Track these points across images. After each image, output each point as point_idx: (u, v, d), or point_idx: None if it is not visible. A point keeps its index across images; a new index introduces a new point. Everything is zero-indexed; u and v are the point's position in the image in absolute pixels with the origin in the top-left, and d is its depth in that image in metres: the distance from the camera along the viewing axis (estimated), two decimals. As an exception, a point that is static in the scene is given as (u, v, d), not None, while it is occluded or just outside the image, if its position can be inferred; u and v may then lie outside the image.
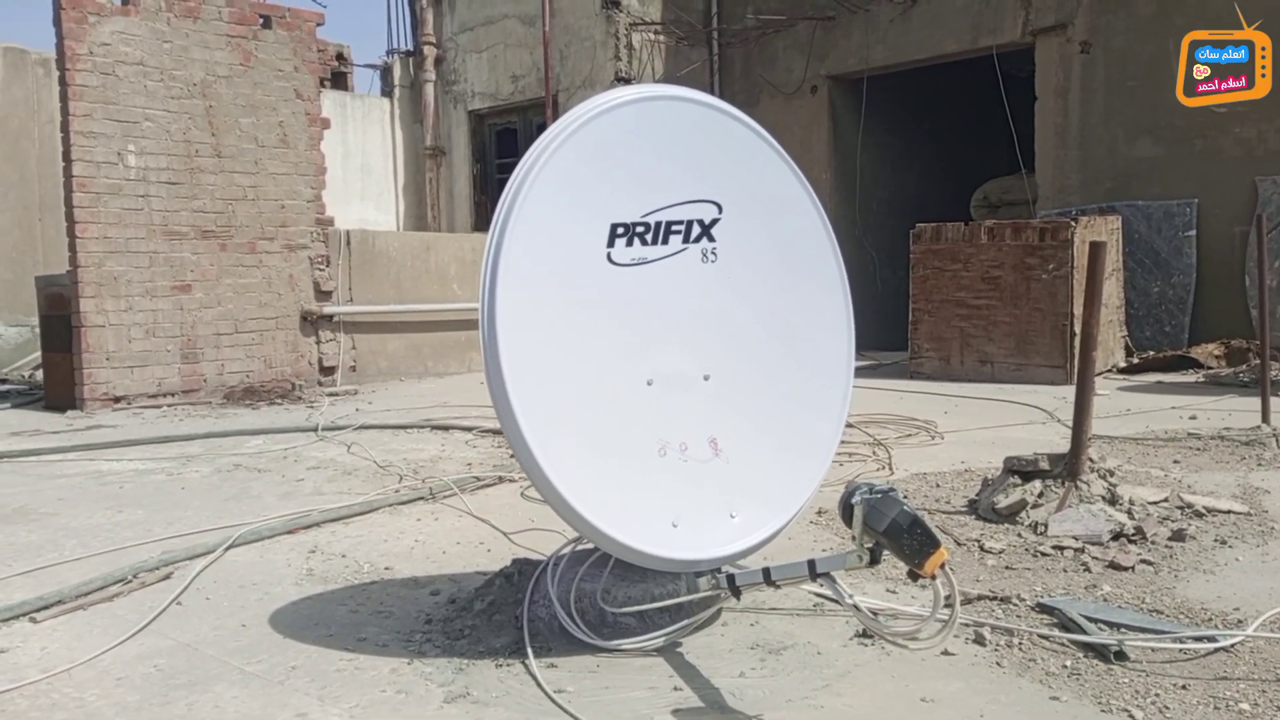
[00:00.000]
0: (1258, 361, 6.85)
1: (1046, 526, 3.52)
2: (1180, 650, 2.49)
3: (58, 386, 8.07)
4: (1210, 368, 8.27)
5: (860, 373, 4.46)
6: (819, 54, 11.66)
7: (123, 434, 6.54)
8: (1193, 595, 2.90)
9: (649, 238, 2.64)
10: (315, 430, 6.43)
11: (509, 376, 2.41)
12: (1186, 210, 9.22)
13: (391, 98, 14.54)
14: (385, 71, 14.77)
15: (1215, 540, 3.42)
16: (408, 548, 3.66)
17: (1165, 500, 3.73)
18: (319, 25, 9.21)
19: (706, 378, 2.73)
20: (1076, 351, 5.38)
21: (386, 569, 3.39)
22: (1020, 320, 8.12)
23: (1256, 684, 2.29)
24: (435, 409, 7.34)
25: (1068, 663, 2.43)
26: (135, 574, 3.29)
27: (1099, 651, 2.47)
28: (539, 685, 2.34)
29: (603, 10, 12.32)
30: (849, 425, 3.54)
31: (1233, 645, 2.50)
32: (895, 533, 2.11)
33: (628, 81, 12.05)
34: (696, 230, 2.72)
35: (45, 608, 2.99)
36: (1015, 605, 2.82)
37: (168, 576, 3.31)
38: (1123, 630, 2.60)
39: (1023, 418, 6.31)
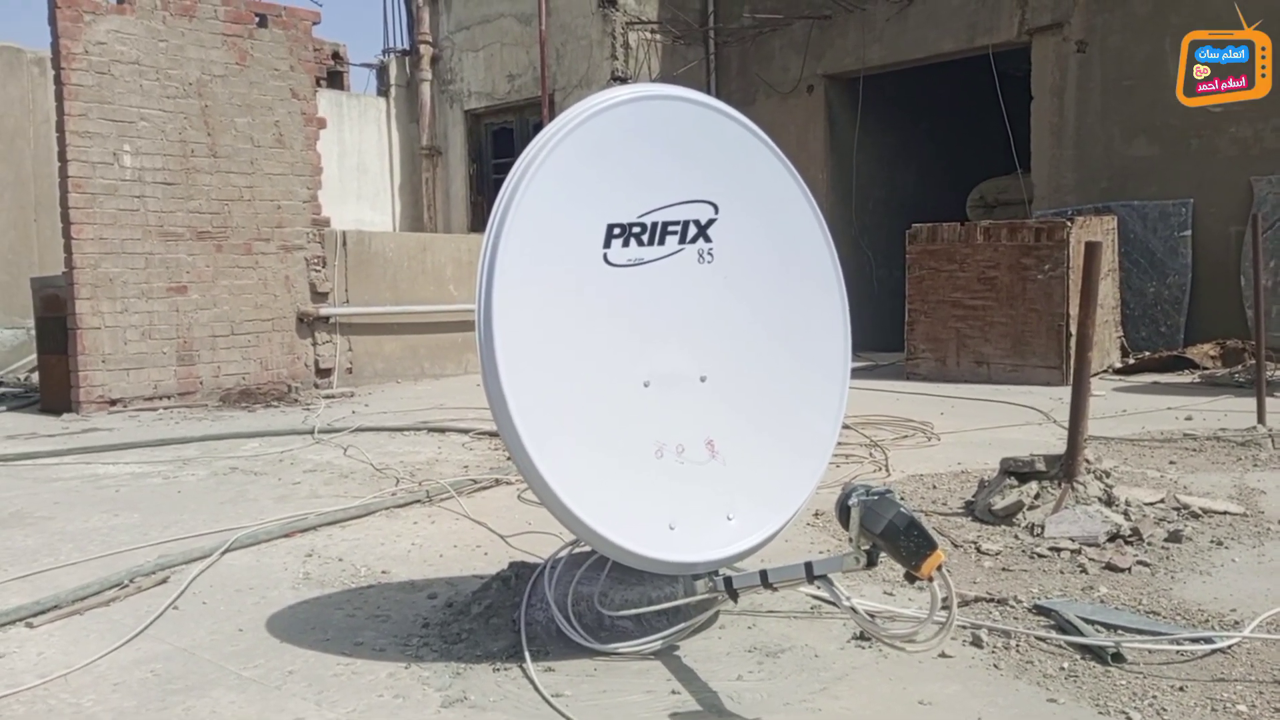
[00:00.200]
0: (1253, 362, 6.86)
1: (1043, 528, 3.52)
2: (1177, 652, 2.49)
3: (53, 389, 8.05)
4: (1206, 368, 8.28)
5: (856, 374, 4.45)
6: (815, 53, 11.67)
7: (119, 437, 6.53)
8: (1189, 596, 2.90)
9: (645, 238, 2.64)
10: (312, 433, 6.42)
11: (505, 376, 2.40)
12: (1182, 210, 9.24)
13: (387, 97, 14.51)
14: (381, 71, 14.75)
15: (1211, 541, 3.43)
16: (405, 551, 3.65)
17: (1161, 501, 3.74)
18: (315, 24, 9.20)
19: (703, 379, 2.73)
20: (1072, 352, 5.39)
21: (383, 572, 3.38)
22: (1016, 321, 8.13)
23: (1254, 685, 2.29)
24: (432, 411, 7.33)
25: (1065, 665, 2.43)
26: (132, 578, 3.28)
27: (1096, 653, 2.47)
28: (536, 689, 2.34)
29: (599, 9, 12.31)
30: (845, 427, 3.55)
31: (1229, 647, 2.50)
32: (892, 535, 2.11)
33: (624, 81, 12.04)
34: (693, 231, 2.72)
35: (42, 613, 2.98)
36: (1012, 607, 2.82)
37: (164, 581, 3.30)
38: (1120, 632, 2.60)
39: (1019, 419, 6.32)
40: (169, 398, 8.15)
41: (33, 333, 9.53)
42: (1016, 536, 3.53)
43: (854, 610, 2.38)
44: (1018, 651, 2.52)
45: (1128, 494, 3.72)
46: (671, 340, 2.69)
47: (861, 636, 2.60)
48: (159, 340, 8.12)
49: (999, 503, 3.74)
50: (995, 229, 8.34)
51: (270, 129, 8.75)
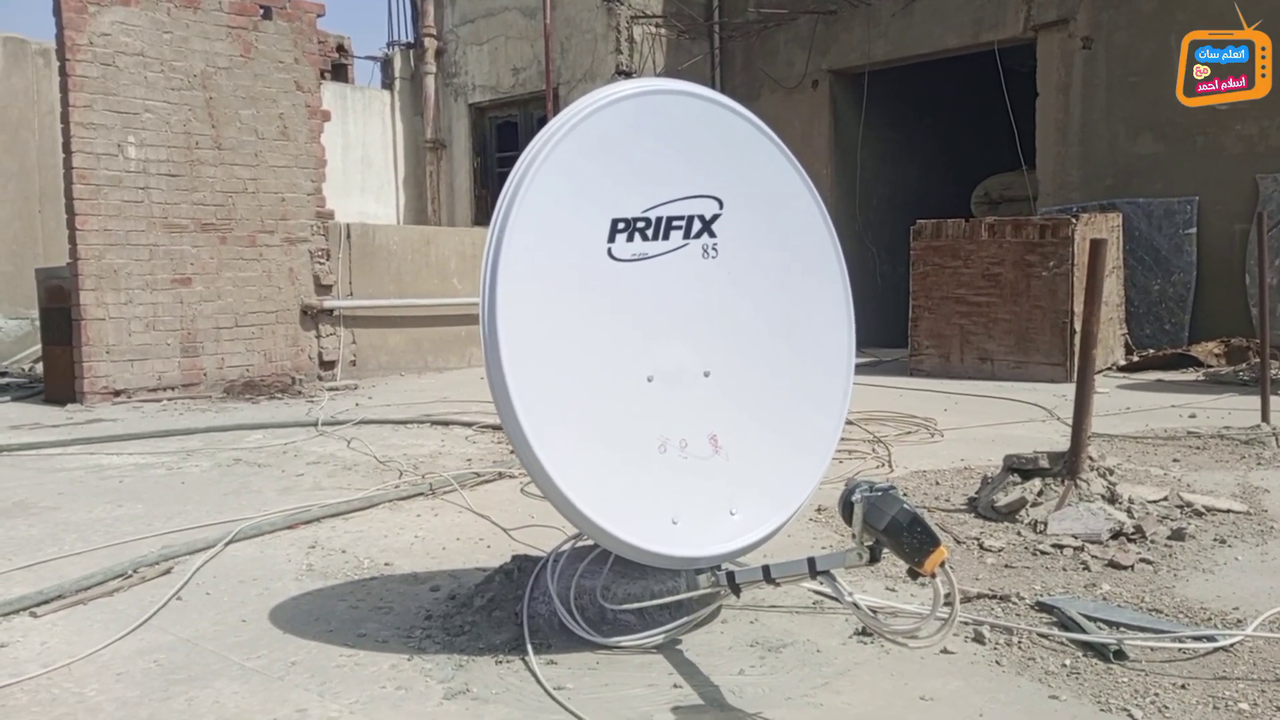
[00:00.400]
0: (1258, 360, 6.85)
1: (1046, 525, 3.52)
2: (1179, 649, 2.49)
3: (58, 380, 8.07)
4: (1210, 366, 8.27)
5: (860, 370, 4.46)
6: (820, 48, 11.64)
7: (123, 428, 6.54)
8: (1192, 594, 2.90)
9: (650, 233, 2.63)
10: (315, 425, 6.43)
11: (509, 369, 2.40)
12: (1187, 208, 9.22)
13: (392, 90, 14.51)
14: (386, 63, 14.75)
15: (1215, 539, 3.43)
16: (408, 543, 3.66)
17: (1165, 499, 3.74)
18: (319, 16, 9.19)
19: (707, 374, 2.73)
20: (1076, 349, 5.38)
21: (386, 565, 3.39)
22: (1020, 317, 8.12)
23: (1256, 683, 2.29)
24: (435, 404, 7.33)
25: (1067, 661, 2.43)
26: (135, 569, 3.29)
27: (1098, 650, 2.47)
28: (539, 682, 2.34)
29: (604, 3, 12.29)
30: (849, 422, 3.55)
31: (1232, 645, 2.50)
32: (895, 531, 2.10)
33: (628, 75, 12.03)
34: (697, 226, 2.71)
35: (45, 602, 2.99)
36: (1015, 604, 2.82)
37: (168, 571, 3.31)
38: (1122, 629, 2.60)
39: (1022, 415, 6.32)
40: (173, 389, 8.16)
41: (37, 323, 9.55)
42: (1019, 533, 3.53)
43: (856, 606, 2.38)
44: (1020, 648, 2.52)
45: (1131, 491, 3.71)
46: (675, 335, 2.68)
47: (864, 632, 2.60)
48: (163, 332, 8.13)
49: (1002, 499, 3.74)
50: (1000, 225, 8.33)
51: (274, 121, 8.75)
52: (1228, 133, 9.00)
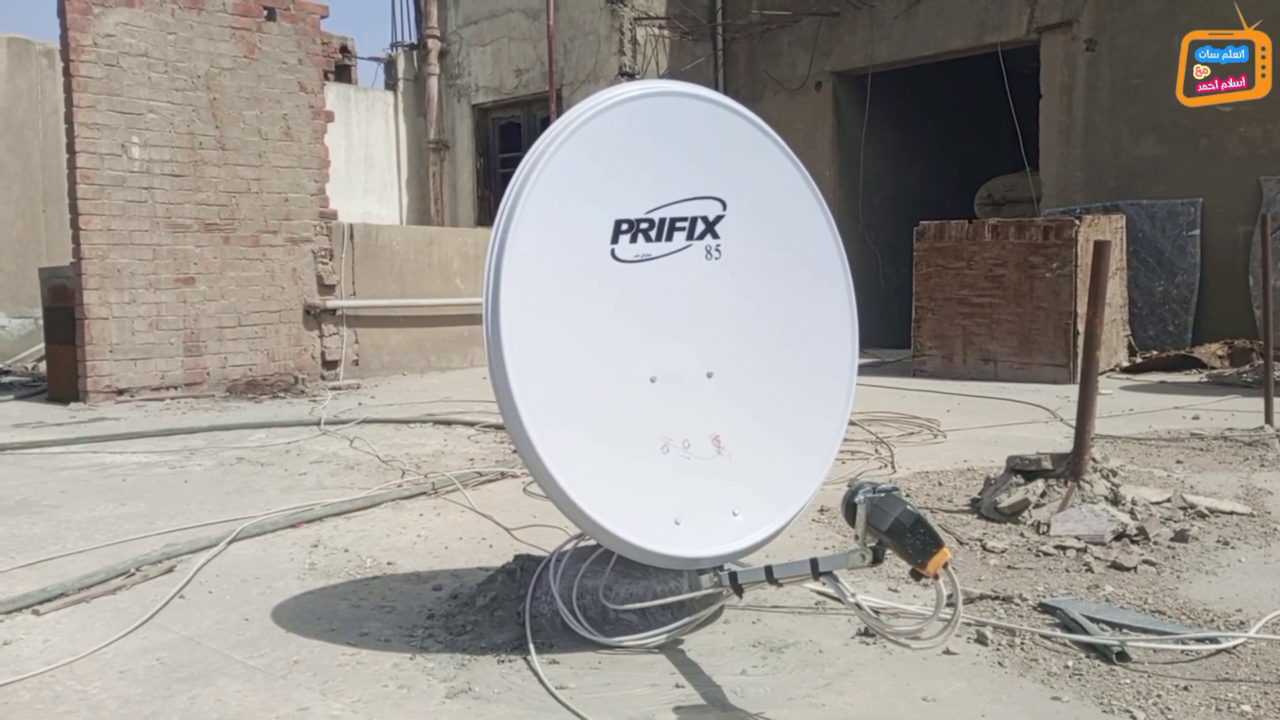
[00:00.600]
0: (1261, 362, 6.84)
1: (1049, 526, 3.51)
2: (1182, 651, 2.49)
3: (61, 378, 8.08)
4: (1213, 368, 8.26)
5: (863, 370, 4.43)
6: (824, 50, 11.64)
7: (126, 426, 6.55)
8: (1195, 596, 2.90)
9: (653, 234, 2.64)
10: (318, 424, 6.44)
11: (512, 370, 2.41)
12: (1191, 209, 9.20)
13: (395, 91, 14.52)
14: (389, 64, 14.76)
15: (1218, 541, 3.42)
16: (410, 543, 3.66)
17: (1168, 501, 3.73)
18: (323, 18, 9.20)
19: (710, 375, 2.73)
20: (1080, 350, 5.38)
21: (389, 564, 3.39)
22: (1023, 319, 8.11)
23: (1258, 685, 2.29)
24: (438, 404, 7.34)
25: (1070, 663, 2.43)
26: (138, 567, 3.29)
27: (1101, 652, 2.47)
28: (541, 681, 2.34)
29: (607, 4, 12.30)
30: (851, 423, 3.54)
31: (1235, 647, 2.50)
32: (898, 532, 2.10)
33: (632, 76, 12.04)
34: (701, 227, 2.71)
35: (48, 600, 2.99)
36: (1017, 605, 2.82)
37: (170, 570, 3.31)
38: (1125, 631, 2.60)
39: (1025, 417, 6.31)
40: (176, 388, 8.17)
41: (40, 322, 9.57)
42: (1022, 534, 3.53)
43: (859, 606, 2.38)
44: (1022, 649, 2.52)
45: (1134, 493, 3.71)
46: (678, 336, 2.69)
47: (866, 633, 2.60)
48: (166, 331, 8.14)
49: (1005, 500, 3.73)
50: (1003, 227, 8.33)
51: (278, 122, 8.76)
52: (1231, 135, 8.98)
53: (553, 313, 2.51)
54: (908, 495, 2.30)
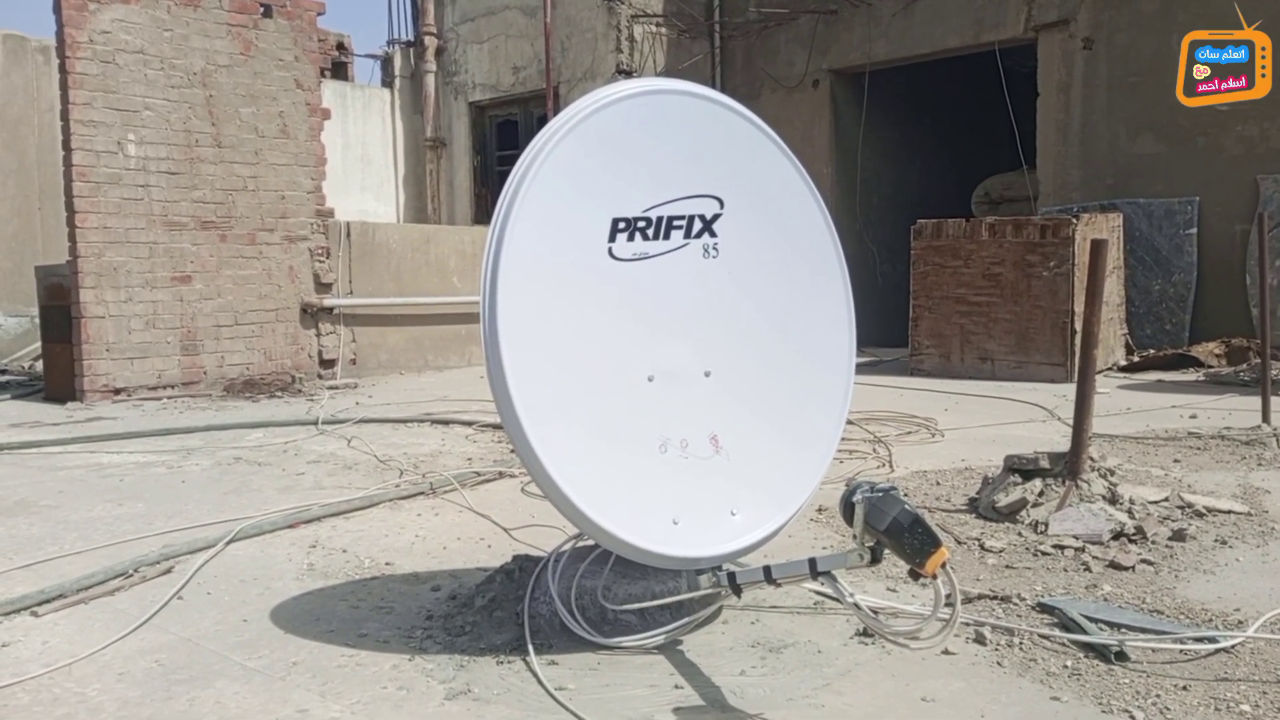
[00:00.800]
0: (1258, 360, 6.85)
1: (1047, 525, 3.52)
2: (1181, 651, 2.49)
3: (58, 378, 8.07)
4: (1211, 366, 8.27)
5: (860, 369, 4.44)
6: (821, 48, 11.64)
7: (123, 426, 6.54)
8: (1193, 595, 2.90)
9: (651, 233, 2.63)
10: (315, 424, 6.43)
11: (509, 369, 2.40)
12: (1188, 208, 9.22)
13: (392, 88, 14.50)
14: (386, 62, 14.74)
15: (1216, 540, 3.43)
16: (408, 543, 3.66)
17: (1166, 500, 3.74)
18: (319, 15, 9.18)
19: (707, 374, 2.73)
20: (1077, 349, 5.38)
21: (387, 564, 3.39)
22: (1021, 317, 8.12)
23: (1257, 685, 2.29)
24: (435, 403, 7.33)
25: (1068, 663, 2.43)
26: (136, 568, 3.28)
27: (1099, 652, 2.47)
28: (540, 682, 2.34)
29: (604, 2, 12.29)
30: (849, 422, 3.54)
31: (1233, 646, 2.50)
32: (896, 532, 2.10)
33: (629, 74, 12.03)
34: (698, 225, 2.71)
35: (46, 601, 2.98)
36: (1016, 605, 2.82)
37: (169, 571, 3.31)
38: (1123, 630, 2.60)
39: (1023, 415, 6.32)
40: (173, 387, 8.16)
41: (37, 321, 9.55)
42: (1020, 534, 3.53)
43: (857, 606, 2.38)
44: (1021, 649, 2.52)
45: (1132, 492, 3.71)
46: (676, 335, 2.68)
47: (865, 633, 2.60)
48: (163, 330, 8.13)
49: (1003, 500, 3.73)
50: (1000, 225, 8.33)
51: (275, 119, 8.74)
52: (1228, 133, 8.99)
53: (550, 311, 2.51)
54: (905, 495, 2.30)
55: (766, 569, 2.49)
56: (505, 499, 4.30)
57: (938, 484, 4.40)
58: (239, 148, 8.52)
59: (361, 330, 9.40)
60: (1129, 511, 3.57)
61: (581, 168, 2.55)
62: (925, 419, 6.02)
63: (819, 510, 3.84)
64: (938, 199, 11.64)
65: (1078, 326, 7.37)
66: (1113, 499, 3.64)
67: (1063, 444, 3.97)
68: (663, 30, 12.46)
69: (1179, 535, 3.41)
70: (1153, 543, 3.37)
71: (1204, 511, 3.69)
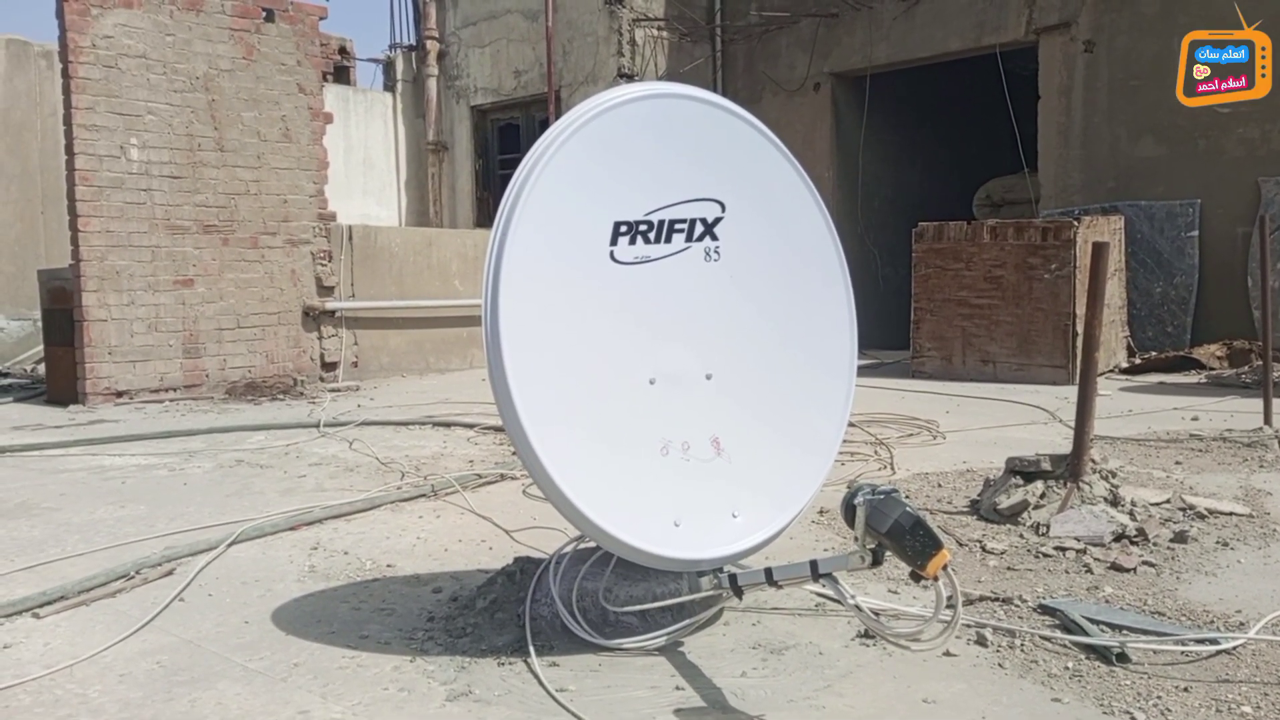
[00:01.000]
0: (1260, 362, 6.85)
1: (1048, 527, 3.52)
2: (1182, 652, 2.49)
3: (60, 381, 8.08)
4: (1212, 369, 8.26)
5: (862, 372, 4.42)
6: (822, 51, 11.65)
7: (125, 429, 6.55)
8: (1194, 597, 2.90)
9: (652, 236, 2.64)
10: (317, 426, 6.44)
11: (511, 371, 2.41)
12: (1189, 210, 9.21)
13: (394, 92, 14.52)
14: (388, 66, 14.76)
15: (1217, 542, 3.42)
16: (410, 545, 3.66)
17: (1167, 502, 3.73)
18: (322, 19, 9.20)
19: (709, 377, 2.73)
20: (1079, 351, 5.38)
21: (388, 566, 3.39)
22: (1022, 320, 8.12)
23: (1259, 687, 2.29)
24: (437, 406, 7.34)
25: (1070, 664, 2.43)
26: (138, 570, 3.29)
27: (1101, 653, 2.47)
28: (541, 684, 2.34)
29: (606, 6, 12.30)
30: (851, 424, 3.55)
31: (1235, 648, 2.50)
32: (898, 534, 2.11)
33: (630, 78, 12.04)
34: (700, 229, 2.72)
35: (48, 603, 2.99)
36: (1017, 606, 2.82)
37: (170, 573, 3.31)
38: (1124, 632, 2.60)
39: (1025, 418, 6.31)
40: (175, 390, 8.17)
41: (39, 324, 9.56)
42: (1022, 536, 3.53)
43: (859, 608, 2.39)
44: (1022, 651, 2.52)
45: (1133, 494, 3.71)
46: (677, 338, 2.69)
47: (866, 634, 2.60)
48: (165, 333, 8.14)
49: (1004, 502, 3.73)
50: (1002, 228, 8.33)
51: (277, 123, 8.76)
52: (1229, 135, 8.99)
53: (552, 313, 2.51)
54: (907, 497, 2.30)
55: (768, 571, 2.49)
56: (507, 501, 4.31)
57: (939, 486, 4.40)
58: (241, 152, 8.54)
59: (363, 333, 9.41)
60: (1130, 513, 3.57)
61: (584, 171, 2.56)
62: (927, 421, 6.02)
63: (820, 512, 3.85)
64: (939, 202, 11.64)
65: (1079, 329, 7.37)
66: (1114, 501, 3.64)
67: (1064, 446, 3.97)
68: (664, 34, 12.48)
69: (1180, 537, 3.41)
70: (1154, 544, 3.37)
71: (1205, 513, 3.69)
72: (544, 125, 11.05)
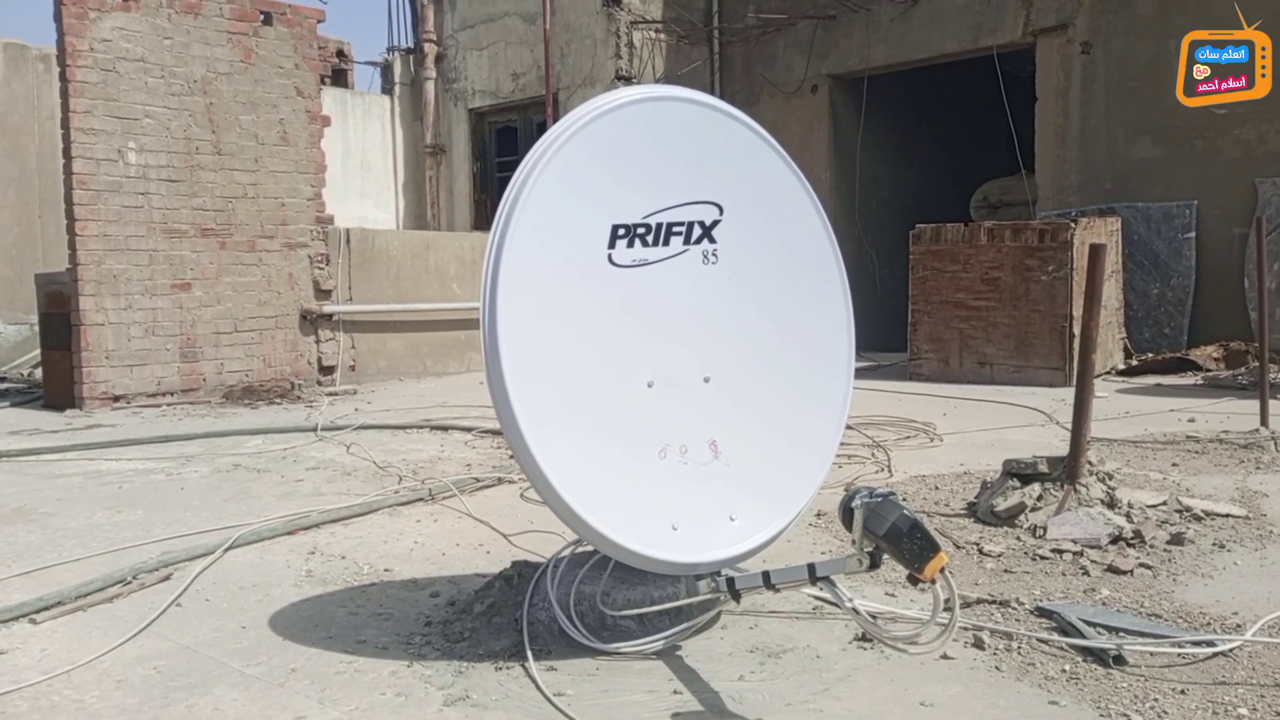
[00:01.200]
0: (1256, 364, 6.86)
1: (1045, 530, 3.52)
2: (1179, 655, 2.49)
3: (57, 385, 8.07)
4: (1209, 370, 8.27)
5: (859, 374, 4.42)
6: (820, 53, 11.66)
7: (122, 433, 6.54)
8: (1191, 599, 2.90)
9: (650, 239, 2.64)
10: (314, 430, 6.43)
11: (509, 374, 2.41)
12: (1186, 212, 9.22)
13: (392, 95, 14.52)
14: (386, 69, 14.76)
15: (1214, 544, 3.43)
16: (407, 549, 3.66)
17: (1164, 503, 3.74)
18: (320, 22, 9.20)
19: (707, 380, 2.73)
20: (1076, 353, 5.38)
21: (386, 571, 3.39)
22: (1019, 322, 8.12)
23: (1255, 689, 2.29)
24: (434, 409, 7.33)
25: (1066, 667, 2.43)
26: (135, 575, 3.28)
27: (1098, 656, 2.47)
28: (538, 688, 2.34)
29: (604, 8, 12.31)
30: (848, 427, 3.55)
31: (1231, 650, 2.50)
32: (895, 537, 2.11)
33: (628, 80, 12.05)
34: (697, 232, 2.72)
35: (45, 609, 2.99)
36: (1014, 609, 2.82)
37: (167, 578, 3.31)
38: (1121, 634, 2.60)
39: (1022, 420, 6.32)
40: (172, 394, 8.16)
41: (36, 328, 9.55)
42: (1019, 538, 3.53)
43: (856, 611, 2.38)
44: (1019, 653, 2.52)
45: (1130, 496, 3.72)
46: (675, 341, 2.69)
47: (863, 638, 2.60)
48: (162, 337, 8.13)
49: (1001, 504, 3.74)
50: (999, 230, 8.34)
51: (275, 127, 8.76)
52: (1226, 137, 9.01)
53: (550, 314, 2.51)
54: (904, 499, 2.31)
55: (765, 574, 2.49)
56: (504, 505, 4.31)
57: (936, 488, 4.40)
58: (239, 155, 8.54)
59: (361, 336, 9.40)
60: (1127, 515, 3.57)
61: (582, 174, 2.56)
62: (924, 423, 6.03)
63: (818, 515, 3.85)
64: (936, 204, 11.65)
65: (1076, 331, 7.37)
66: (1111, 503, 3.64)
67: (1061, 448, 3.97)
68: (662, 36, 12.49)
69: (1177, 539, 3.41)
70: (1151, 546, 3.37)
71: (1202, 515, 3.69)
72: (542, 128, 11.04)
